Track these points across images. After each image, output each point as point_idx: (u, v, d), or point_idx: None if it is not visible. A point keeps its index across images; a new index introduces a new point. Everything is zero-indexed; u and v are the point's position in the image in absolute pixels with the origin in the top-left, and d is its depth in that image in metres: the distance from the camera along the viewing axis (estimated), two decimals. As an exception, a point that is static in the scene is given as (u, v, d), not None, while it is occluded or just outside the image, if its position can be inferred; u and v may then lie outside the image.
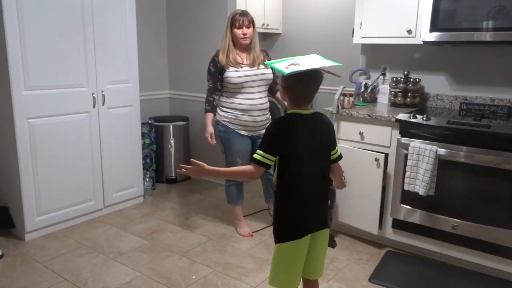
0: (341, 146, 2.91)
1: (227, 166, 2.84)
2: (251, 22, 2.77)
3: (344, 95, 2.98)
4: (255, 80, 2.78)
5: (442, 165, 2.47)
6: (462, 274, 2.53)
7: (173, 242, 2.90)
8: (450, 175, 2.50)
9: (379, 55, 3.33)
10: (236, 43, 2.79)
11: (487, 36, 2.49)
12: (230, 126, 2.83)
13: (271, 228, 3.14)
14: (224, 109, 2.84)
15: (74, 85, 3.01)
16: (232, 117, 2.81)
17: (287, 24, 5.25)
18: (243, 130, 2.84)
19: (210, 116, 2.85)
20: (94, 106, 3.15)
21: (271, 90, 2.98)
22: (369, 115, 2.76)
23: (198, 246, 2.86)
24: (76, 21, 2.96)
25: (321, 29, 4.97)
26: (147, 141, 3.85)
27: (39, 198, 2.91)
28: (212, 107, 2.86)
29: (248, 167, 1.67)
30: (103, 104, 3.21)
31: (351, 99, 2.97)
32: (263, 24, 4.91)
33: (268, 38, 5.41)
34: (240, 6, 4.34)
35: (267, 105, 2.92)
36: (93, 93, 3.13)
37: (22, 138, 2.77)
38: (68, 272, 2.51)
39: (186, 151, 4.24)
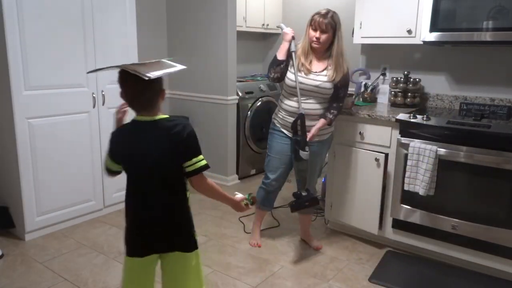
0: (341, 146, 2.91)
1: (265, 164, 2.78)
2: (331, 26, 2.48)
3: (344, 95, 2.98)
4: (309, 90, 2.54)
5: (442, 165, 2.47)
6: (462, 274, 2.53)
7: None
8: (450, 175, 2.50)
9: (379, 55, 3.33)
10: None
11: (487, 36, 2.49)
12: (277, 125, 2.69)
13: (271, 228, 3.15)
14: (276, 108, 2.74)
15: (74, 85, 3.01)
16: (280, 117, 2.66)
17: (287, 24, 5.23)
18: (287, 130, 2.64)
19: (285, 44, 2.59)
20: (94, 106, 3.15)
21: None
22: (369, 115, 2.76)
23: (198, 246, 2.86)
24: (76, 21, 2.96)
25: (321, 29, 4.97)
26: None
27: (39, 198, 2.91)
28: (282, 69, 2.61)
29: None
30: (103, 104, 3.21)
31: (351, 99, 2.97)
32: (263, 24, 4.91)
33: (268, 38, 5.41)
34: (240, 6, 4.35)
35: (318, 111, 2.59)
36: (93, 93, 3.13)
37: (22, 138, 2.77)
38: (68, 272, 2.51)
39: (186, 151, 4.23)
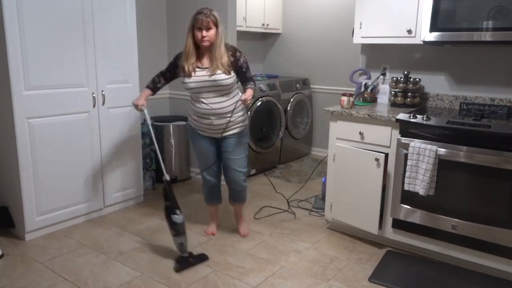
0: (341, 146, 2.91)
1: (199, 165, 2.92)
2: (214, 24, 2.61)
3: (344, 95, 2.98)
4: (209, 86, 2.64)
5: (442, 165, 2.47)
6: (462, 274, 2.53)
7: (173, 242, 2.90)
8: (450, 175, 2.50)
9: (379, 55, 3.33)
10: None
11: (487, 36, 2.49)
12: (193, 127, 2.82)
13: (271, 227, 3.15)
14: (190, 111, 2.83)
15: (74, 85, 3.01)
16: (194, 119, 2.78)
17: (287, 24, 5.25)
18: (204, 132, 2.78)
19: (146, 91, 2.82)
20: (94, 106, 3.15)
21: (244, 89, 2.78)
22: (369, 115, 2.76)
23: (198, 246, 2.86)
24: (76, 21, 2.95)
25: (321, 29, 4.98)
26: (147, 141, 3.85)
27: (39, 198, 2.91)
28: (153, 85, 2.83)
29: None
30: (103, 104, 3.21)
31: (351, 99, 2.97)
32: (263, 24, 4.91)
33: (268, 38, 5.41)
34: (240, 6, 4.35)
35: (228, 108, 2.68)
36: (93, 93, 3.13)
37: (22, 138, 2.77)
38: (68, 272, 2.51)
39: (186, 151, 4.24)
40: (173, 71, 2.78)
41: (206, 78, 2.62)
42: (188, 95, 4.42)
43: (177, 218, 2.58)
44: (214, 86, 2.64)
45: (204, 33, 2.57)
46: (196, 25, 2.59)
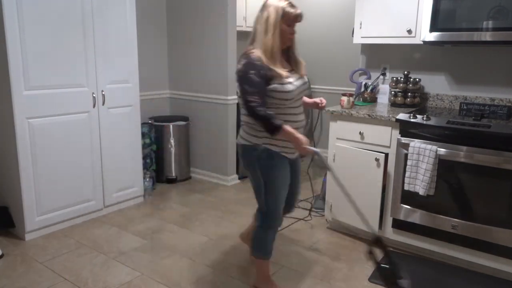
0: (341, 146, 2.91)
1: (267, 205, 2.16)
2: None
3: (344, 95, 2.98)
4: (302, 91, 2.15)
5: (442, 165, 2.47)
6: (462, 274, 2.53)
7: (173, 242, 2.90)
8: (450, 175, 2.50)
9: (379, 55, 3.33)
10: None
11: (487, 36, 2.49)
12: (275, 149, 2.08)
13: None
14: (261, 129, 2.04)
15: (74, 85, 3.01)
16: (280, 138, 2.05)
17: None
18: (289, 154, 2.14)
19: (287, 126, 1.98)
20: (94, 106, 3.15)
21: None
22: (369, 115, 2.76)
23: (198, 246, 2.86)
24: (76, 21, 2.95)
25: (321, 29, 4.98)
26: (147, 141, 3.85)
27: (39, 198, 2.91)
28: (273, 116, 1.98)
29: None
30: (103, 104, 3.21)
31: (351, 99, 2.97)
32: (263, 24, 4.90)
33: (268, 38, 5.40)
34: (240, 6, 4.34)
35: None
36: (93, 93, 3.13)
37: (22, 138, 2.77)
38: (68, 272, 2.51)
39: (186, 151, 4.24)
40: (264, 89, 2.00)
41: (300, 82, 2.11)
42: (189, 95, 4.40)
43: (405, 283, 2.09)
44: (304, 91, 2.17)
45: (294, 29, 2.08)
46: (288, 19, 2.01)
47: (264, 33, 1.99)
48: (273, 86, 1.99)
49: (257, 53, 1.98)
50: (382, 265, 2.12)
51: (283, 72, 2.00)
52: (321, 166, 2.21)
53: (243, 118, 2.13)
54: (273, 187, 2.12)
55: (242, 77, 1.97)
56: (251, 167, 2.13)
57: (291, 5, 2.03)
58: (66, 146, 3.01)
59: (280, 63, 2.03)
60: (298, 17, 2.05)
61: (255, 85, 1.94)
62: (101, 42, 3.12)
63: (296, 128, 2.05)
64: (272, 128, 1.94)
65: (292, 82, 2.03)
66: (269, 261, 2.30)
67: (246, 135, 2.11)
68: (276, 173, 2.10)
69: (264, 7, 2.04)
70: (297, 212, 3.45)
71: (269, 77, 1.97)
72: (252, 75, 1.94)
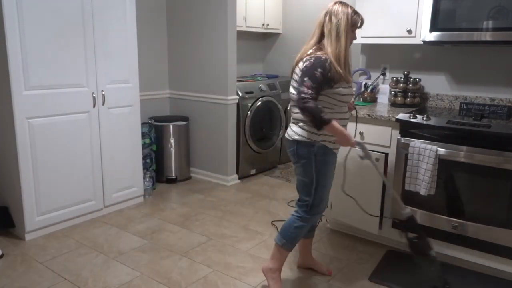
0: (341, 146, 2.90)
1: (317, 197, 2.24)
2: None
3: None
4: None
5: (442, 165, 2.47)
6: (462, 274, 2.53)
7: (173, 242, 2.91)
8: (450, 175, 2.50)
9: (379, 55, 3.33)
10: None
11: (487, 36, 2.49)
12: (330, 146, 2.20)
13: (271, 227, 3.15)
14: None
15: (74, 85, 3.01)
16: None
17: (287, 24, 5.25)
18: (337, 150, 2.29)
19: (335, 122, 2.07)
20: (94, 106, 3.15)
21: None
22: (369, 115, 2.76)
23: (198, 246, 2.86)
24: (76, 21, 2.96)
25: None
26: (147, 141, 3.85)
27: (39, 198, 2.91)
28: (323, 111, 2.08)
29: None
30: (103, 104, 3.21)
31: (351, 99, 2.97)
32: (263, 24, 4.91)
33: (268, 38, 5.41)
34: (240, 6, 4.35)
35: None
36: (93, 93, 3.13)
37: (22, 138, 2.77)
38: (68, 272, 2.51)
39: (186, 151, 4.24)
40: (322, 87, 2.10)
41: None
42: (189, 95, 4.41)
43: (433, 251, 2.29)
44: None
45: (355, 34, 2.20)
46: (354, 26, 2.14)
47: (336, 40, 2.08)
48: (339, 89, 2.10)
49: (329, 56, 2.06)
50: (414, 240, 2.28)
51: (349, 77, 2.14)
52: (364, 159, 2.28)
53: (298, 115, 2.19)
54: (324, 180, 2.25)
55: (307, 71, 2.05)
56: (305, 162, 2.22)
57: (355, 12, 2.15)
58: (66, 146, 3.01)
59: (348, 67, 2.13)
60: (362, 23, 2.19)
61: (316, 81, 2.03)
62: (101, 42, 3.12)
63: (343, 125, 2.19)
64: (321, 122, 2.03)
65: (351, 86, 2.19)
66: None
67: (302, 131, 2.18)
68: (328, 167, 2.25)
69: (332, 13, 2.13)
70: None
71: (336, 80, 2.07)
72: (318, 73, 2.03)
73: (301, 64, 2.11)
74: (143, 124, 3.78)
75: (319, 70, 2.03)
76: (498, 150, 2.32)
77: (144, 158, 3.75)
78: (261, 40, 5.42)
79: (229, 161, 4.12)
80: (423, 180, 2.49)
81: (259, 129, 4.42)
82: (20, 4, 2.64)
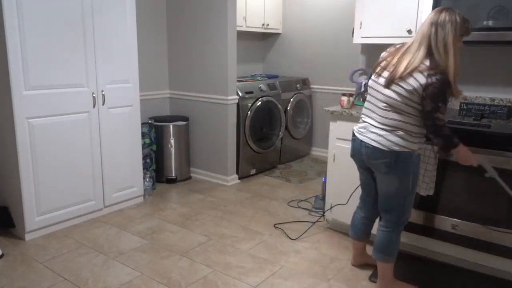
0: (341, 146, 2.91)
1: (406, 206, 2.23)
2: None
3: (344, 95, 2.98)
4: None
5: (442, 165, 2.47)
6: (462, 274, 2.53)
7: (173, 242, 2.91)
8: (450, 175, 2.50)
9: (379, 55, 3.32)
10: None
11: (487, 36, 2.48)
12: (419, 153, 2.23)
13: (271, 227, 3.15)
14: (417, 135, 2.12)
15: (74, 85, 3.01)
16: (419, 141, 2.17)
17: (287, 24, 5.25)
18: None
19: (462, 146, 2.11)
20: (94, 106, 3.15)
21: None
22: (369, 115, 2.75)
23: (198, 246, 2.86)
24: (76, 21, 2.96)
25: (321, 29, 4.98)
26: (147, 141, 3.85)
27: (39, 198, 2.91)
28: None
29: None
30: (103, 104, 3.21)
31: (351, 99, 2.97)
32: (263, 24, 4.91)
33: (268, 38, 5.41)
34: (240, 6, 4.35)
35: None
36: (93, 93, 3.13)
37: (22, 138, 2.77)
38: (68, 272, 2.51)
39: (186, 151, 4.24)
40: None
41: None
42: (189, 95, 4.41)
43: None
44: None
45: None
46: (464, 35, 2.04)
47: (445, 54, 1.97)
48: (448, 103, 2.13)
49: (450, 76, 1.98)
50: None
51: (460, 90, 2.07)
52: (487, 176, 2.22)
53: (397, 123, 2.09)
54: (414, 188, 2.24)
55: (438, 94, 1.97)
56: (403, 172, 2.14)
57: (464, 20, 2.01)
58: (66, 146, 3.01)
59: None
60: (469, 31, 2.06)
61: (446, 104, 2.02)
62: (101, 42, 3.12)
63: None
64: (451, 145, 2.08)
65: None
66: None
67: (403, 141, 2.08)
68: (418, 175, 2.28)
69: (439, 24, 1.98)
70: (298, 213, 3.45)
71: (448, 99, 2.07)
72: (447, 95, 2.00)
73: (420, 78, 1.97)
74: (143, 124, 3.78)
75: (446, 93, 1.99)
76: (498, 150, 2.32)
77: (144, 158, 3.75)
78: (261, 40, 5.43)
79: (229, 161, 4.12)
80: (423, 180, 2.49)
81: (259, 129, 4.42)
82: (20, 4, 2.64)
